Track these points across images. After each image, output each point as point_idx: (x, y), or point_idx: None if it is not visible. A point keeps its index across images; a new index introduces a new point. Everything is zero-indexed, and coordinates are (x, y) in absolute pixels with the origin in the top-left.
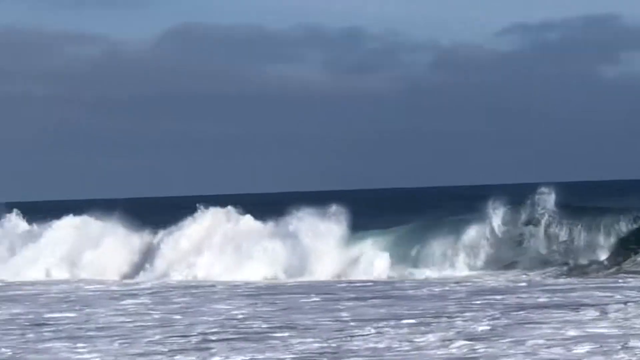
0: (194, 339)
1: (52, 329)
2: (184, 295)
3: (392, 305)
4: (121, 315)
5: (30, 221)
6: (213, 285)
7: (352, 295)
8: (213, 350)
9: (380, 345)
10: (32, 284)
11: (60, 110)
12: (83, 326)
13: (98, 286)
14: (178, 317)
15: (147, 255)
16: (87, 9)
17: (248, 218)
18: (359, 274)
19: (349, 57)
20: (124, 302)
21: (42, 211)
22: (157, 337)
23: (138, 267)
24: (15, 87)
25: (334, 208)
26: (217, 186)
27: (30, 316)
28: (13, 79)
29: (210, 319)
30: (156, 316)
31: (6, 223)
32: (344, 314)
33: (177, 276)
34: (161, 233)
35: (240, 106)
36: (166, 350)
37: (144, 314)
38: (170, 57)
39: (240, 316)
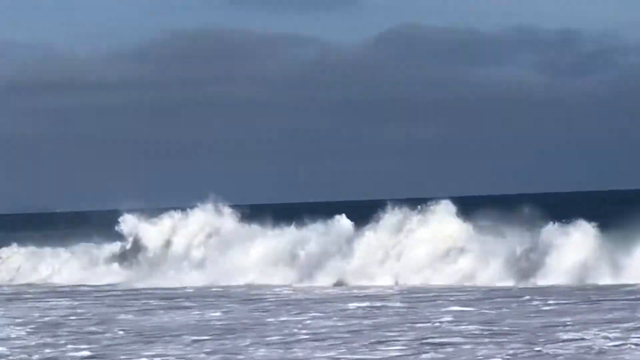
0: (405, 344)
1: (259, 333)
2: (402, 300)
3: (622, 309)
4: (335, 319)
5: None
6: (438, 290)
7: (579, 300)
8: (424, 355)
9: (595, 347)
10: (259, 287)
11: (272, 113)
12: (298, 331)
13: (324, 291)
14: (392, 321)
15: (348, 258)
16: (302, 11)
17: (448, 217)
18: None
19: (563, 60)
20: (340, 306)
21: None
22: (370, 341)
23: (342, 271)
24: (231, 89)
25: (526, 211)
26: (431, 189)
27: (246, 320)
28: (229, 82)
29: (424, 324)
30: (373, 321)
31: (224, 225)
32: (567, 318)
33: (382, 279)
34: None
35: (451, 109)
36: (377, 356)
37: (360, 317)
38: (384, 59)
39: (455, 321)
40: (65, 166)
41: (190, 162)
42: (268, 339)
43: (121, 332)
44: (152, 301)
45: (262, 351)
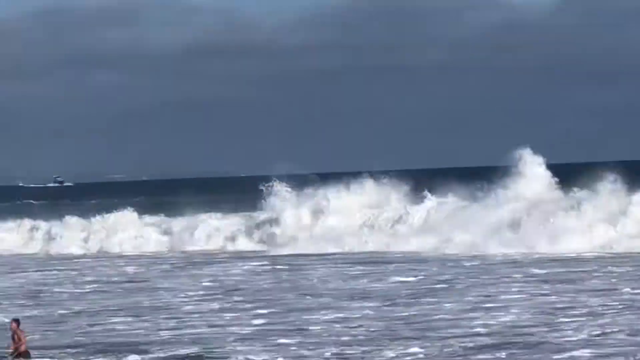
0: (577, 313)
1: (441, 299)
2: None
3: None
4: (525, 284)
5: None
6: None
7: None
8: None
9: None
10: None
11: (457, 77)
12: (484, 297)
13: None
14: (566, 287)
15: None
16: None
17: None
18: None
19: None
20: (532, 271)
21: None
22: (548, 307)
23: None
24: (414, 54)
25: None
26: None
27: (437, 285)
28: (413, 47)
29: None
30: (563, 285)
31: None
32: None
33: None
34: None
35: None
36: (552, 320)
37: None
38: (571, 22)
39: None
40: (246, 131)
41: (369, 128)
42: (448, 305)
43: (309, 298)
44: (342, 265)
45: (438, 316)
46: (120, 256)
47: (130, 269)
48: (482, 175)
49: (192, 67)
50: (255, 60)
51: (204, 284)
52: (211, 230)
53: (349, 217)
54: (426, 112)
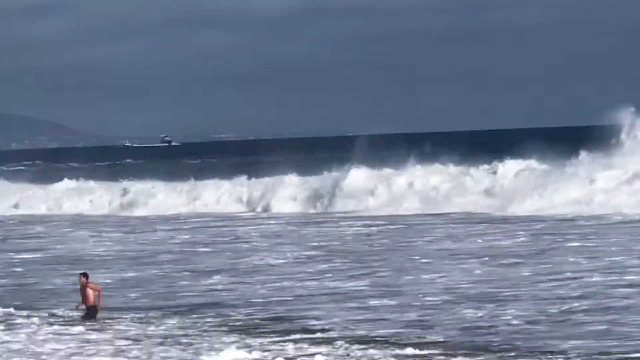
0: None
1: (541, 261)
2: None
3: None
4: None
5: None
6: None
7: None
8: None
9: None
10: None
11: (562, 37)
12: (585, 261)
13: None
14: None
15: None
16: None
17: None
18: None
19: None
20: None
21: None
22: (625, 275)
23: None
24: (520, 13)
25: None
26: None
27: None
28: (519, 7)
29: None
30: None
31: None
32: None
33: None
34: None
35: None
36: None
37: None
38: None
39: None
40: (360, 91)
41: (465, 88)
42: (551, 267)
43: (416, 258)
44: (455, 225)
45: (539, 277)
46: (227, 217)
47: (235, 230)
48: (578, 135)
49: (299, 27)
50: (360, 21)
51: (311, 244)
52: (298, 191)
53: (434, 180)
54: (525, 71)
